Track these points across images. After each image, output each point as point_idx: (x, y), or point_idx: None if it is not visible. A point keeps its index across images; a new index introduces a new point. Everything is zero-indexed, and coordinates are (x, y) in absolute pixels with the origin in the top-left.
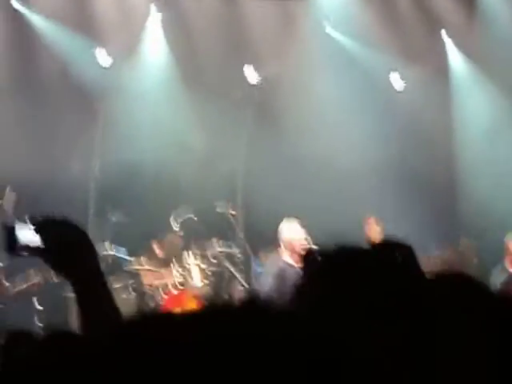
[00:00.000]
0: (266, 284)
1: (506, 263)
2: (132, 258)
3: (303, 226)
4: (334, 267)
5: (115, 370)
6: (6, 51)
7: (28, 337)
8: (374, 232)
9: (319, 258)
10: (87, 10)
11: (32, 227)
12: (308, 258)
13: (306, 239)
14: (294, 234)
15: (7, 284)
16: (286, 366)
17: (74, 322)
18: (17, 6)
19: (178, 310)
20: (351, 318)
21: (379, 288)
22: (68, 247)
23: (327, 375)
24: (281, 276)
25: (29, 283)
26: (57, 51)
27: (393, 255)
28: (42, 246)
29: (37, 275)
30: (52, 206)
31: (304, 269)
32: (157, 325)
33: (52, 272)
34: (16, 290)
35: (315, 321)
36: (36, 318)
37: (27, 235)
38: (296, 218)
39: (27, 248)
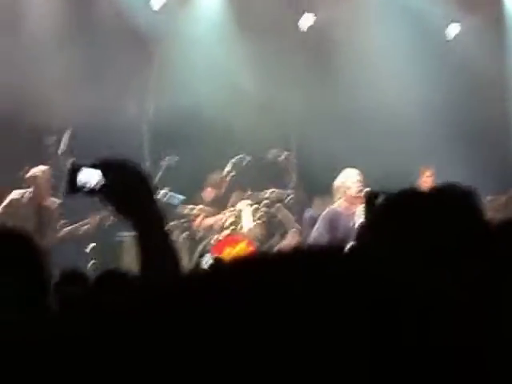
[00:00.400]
0: (318, 227)
1: None
2: (184, 200)
3: (358, 173)
4: (398, 207)
5: (169, 313)
6: None
7: (81, 276)
8: (429, 182)
9: (382, 198)
10: None
11: (95, 167)
12: (371, 198)
13: (360, 182)
14: (348, 178)
15: (64, 223)
16: (348, 308)
17: (126, 264)
18: None
19: (230, 251)
20: (416, 257)
21: (445, 228)
22: (131, 188)
23: (389, 316)
24: (334, 220)
25: (85, 224)
26: None
27: (457, 198)
28: (106, 186)
29: (93, 216)
30: (106, 147)
31: (367, 209)
32: (214, 272)
33: (112, 213)
34: (72, 230)
35: (378, 261)
36: (89, 259)
37: (90, 175)
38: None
39: (90, 188)
